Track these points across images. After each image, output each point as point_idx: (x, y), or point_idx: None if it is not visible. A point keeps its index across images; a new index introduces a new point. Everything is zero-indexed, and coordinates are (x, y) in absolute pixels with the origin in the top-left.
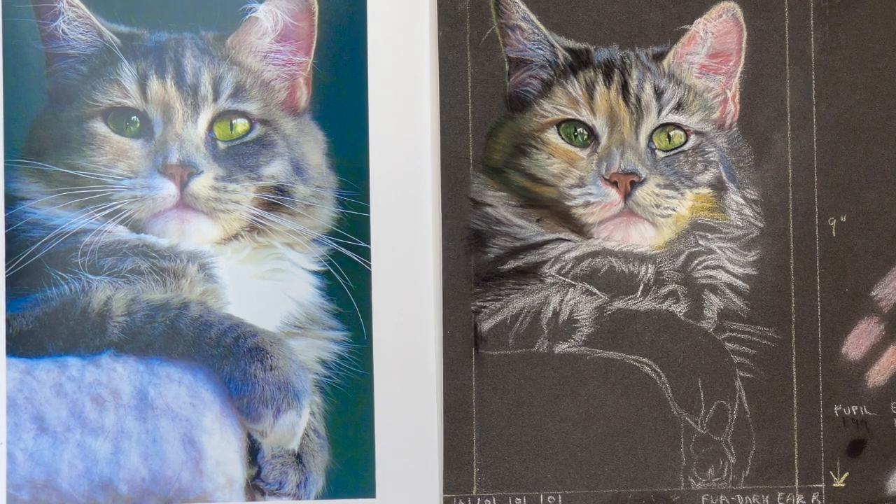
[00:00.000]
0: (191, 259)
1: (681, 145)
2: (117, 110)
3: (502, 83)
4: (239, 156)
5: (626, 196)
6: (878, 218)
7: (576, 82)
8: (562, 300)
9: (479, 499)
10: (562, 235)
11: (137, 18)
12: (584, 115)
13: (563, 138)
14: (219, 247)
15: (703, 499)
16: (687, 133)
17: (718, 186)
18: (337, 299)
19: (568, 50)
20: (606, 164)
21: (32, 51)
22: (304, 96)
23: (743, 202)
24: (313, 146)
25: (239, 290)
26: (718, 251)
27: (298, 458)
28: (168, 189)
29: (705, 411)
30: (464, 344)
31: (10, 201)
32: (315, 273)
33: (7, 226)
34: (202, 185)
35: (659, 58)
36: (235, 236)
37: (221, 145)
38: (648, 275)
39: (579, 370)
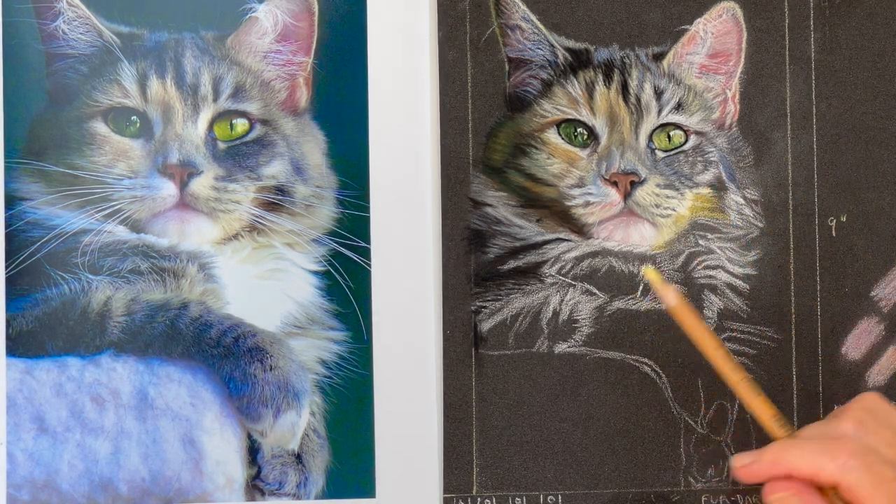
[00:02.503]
0: (191, 259)
1: (681, 145)
2: (117, 110)
3: (502, 83)
4: (239, 156)
5: (626, 196)
6: (878, 218)
7: (576, 82)
8: (562, 300)
9: (479, 499)
10: (562, 235)
11: (137, 18)
12: (584, 115)
13: (563, 138)
14: (219, 247)
15: (703, 499)
16: (687, 133)
17: (718, 186)
18: (337, 299)
19: (568, 50)
20: (606, 164)
21: (32, 51)
22: (304, 96)
23: (743, 202)
24: (313, 146)
25: (239, 290)
26: (718, 251)
27: (298, 458)
28: (168, 189)
29: (705, 411)
30: (464, 344)
31: (10, 201)
32: (315, 273)
33: (7, 226)
34: (202, 185)
35: (659, 58)
36: (235, 236)
37: (221, 145)
38: None
39: (579, 370)
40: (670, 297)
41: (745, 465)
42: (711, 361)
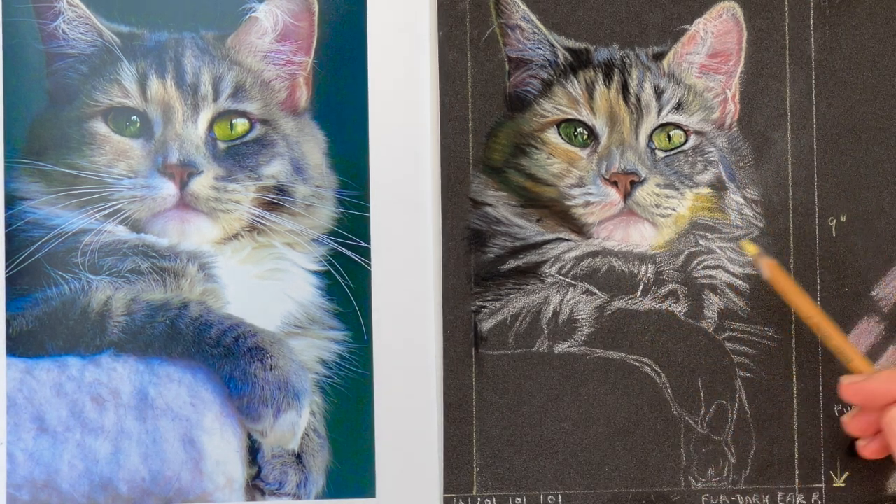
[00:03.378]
0: (191, 259)
1: (681, 145)
2: (117, 110)
3: (502, 83)
4: (239, 155)
5: (626, 196)
6: (878, 218)
7: (576, 82)
8: (562, 300)
9: (479, 499)
10: (562, 235)
11: (137, 18)
12: (584, 115)
13: (563, 138)
14: (219, 247)
15: (703, 499)
16: (687, 133)
17: (718, 186)
18: (337, 299)
19: (568, 50)
20: (606, 163)
21: (32, 51)
22: (304, 96)
23: (743, 202)
24: (313, 146)
25: (239, 290)
26: (718, 251)
27: (298, 457)
28: (168, 189)
29: (705, 411)
30: (464, 344)
31: (10, 201)
32: (315, 273)
33: (7, 226)
34: (202, 184)
35: (659, 58)
36: (235, 236)
37: (221, 145)
38: (648, 275)
39: (579, 370)
40: (765, 269)
41: (855, 383)
42: (808, 323)
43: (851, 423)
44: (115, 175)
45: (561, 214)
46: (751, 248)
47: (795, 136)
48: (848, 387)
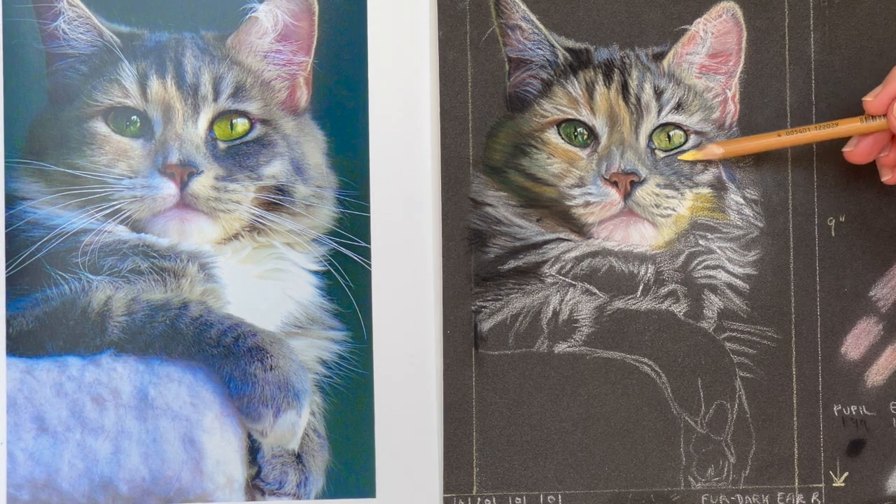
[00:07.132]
0: (191, 259)
1: (681, 145)
2: (117, 110)
3: (502, 83)
4: (239, 155)
5: (626, 196)
6: (877, 218)
7: (576, 82)
8: (562, 300)
9: (479, 499)
10: (562, 235)
11: (137, 18)
12: (584, 115)
13: (563, 138)
14: (219, 247)
15: (703, 499)
16: (687, 133)
17: (718, 186)
18: (337, 299)
19: (568, 50)
20: (606, 163)
21: (32, 51)
22: (304, 96)
23: (743, 202)
24: (313, 146)
25: (239, 290)
26: (718, 251)
27: (298, 457)
28: (168, 189)
29: (705, 411)
30: (464, 344)
31: (11, 201)
32: (315, 273)
33: (7, 226)
34: (202, 184)
35: (659, 58)
36: (235, 236)
37: (221, 145)
38: (648, 275)
39: (579, 370)
40: (715, 151)
41: (877, 95)
42: (782, 147)
43: (872, 104)
44: (115, 175)
45: (561, 214)
46: (689, 156)
47: None
48: (872, 101)
